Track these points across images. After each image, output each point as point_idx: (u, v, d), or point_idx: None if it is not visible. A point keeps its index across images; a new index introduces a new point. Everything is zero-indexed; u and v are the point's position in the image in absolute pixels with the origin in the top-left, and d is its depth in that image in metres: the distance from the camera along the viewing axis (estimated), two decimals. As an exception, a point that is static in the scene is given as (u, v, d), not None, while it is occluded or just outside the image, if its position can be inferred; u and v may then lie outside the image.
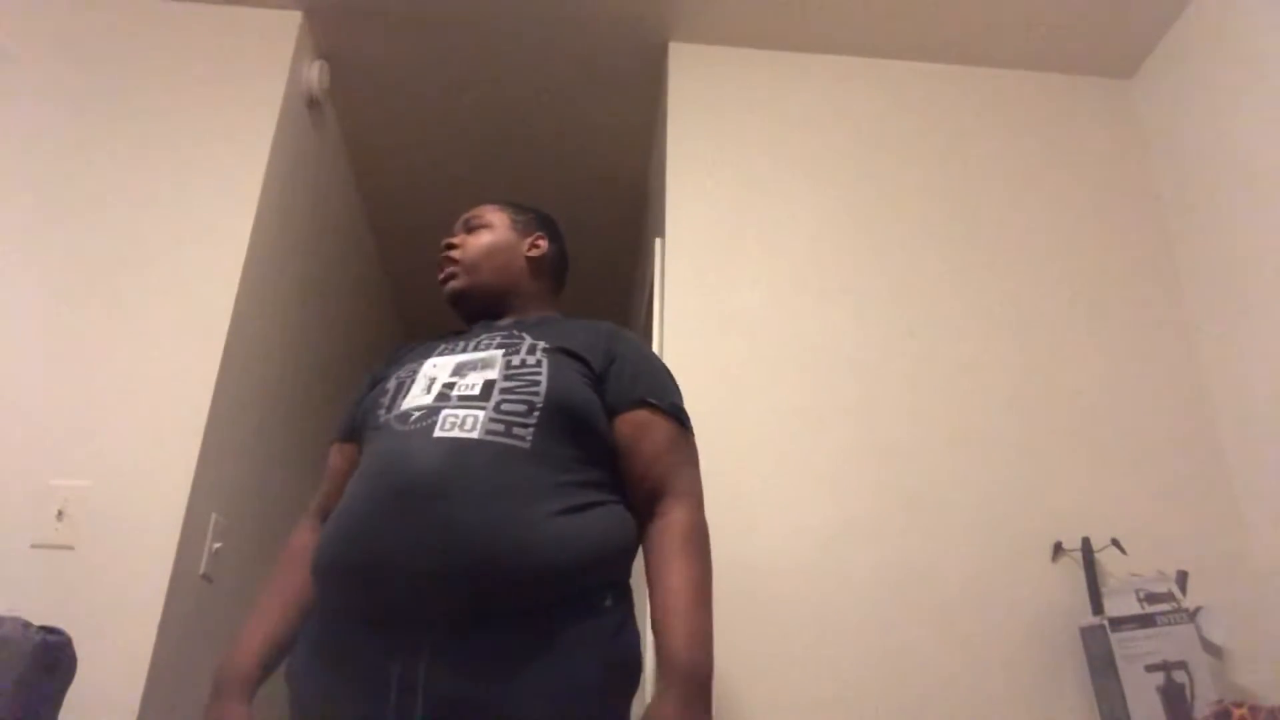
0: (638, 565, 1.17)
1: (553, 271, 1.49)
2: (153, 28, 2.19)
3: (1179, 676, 1.60)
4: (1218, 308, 2.05)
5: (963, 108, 2.36)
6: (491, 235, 1.44)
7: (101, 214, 1.98)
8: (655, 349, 2.03)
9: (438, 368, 1.22)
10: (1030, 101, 2.38)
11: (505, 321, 1.39)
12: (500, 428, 1.11)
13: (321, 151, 2.54)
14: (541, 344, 1.23)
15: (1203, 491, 1.95)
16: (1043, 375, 2.05)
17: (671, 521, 1.15)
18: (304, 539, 1.29)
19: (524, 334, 1.28)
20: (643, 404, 1.22)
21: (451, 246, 1.43)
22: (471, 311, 1.42)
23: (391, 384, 1.24)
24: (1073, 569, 1.85)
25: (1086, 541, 1.84)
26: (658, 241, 2.15)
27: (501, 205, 1.50)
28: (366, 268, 3.23)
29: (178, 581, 1.69)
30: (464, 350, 1.25)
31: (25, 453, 1.74)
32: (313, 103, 2.37)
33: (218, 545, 1.86)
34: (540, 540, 1.04)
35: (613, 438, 1.20)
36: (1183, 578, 1.75)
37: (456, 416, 1.12)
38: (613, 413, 1.21)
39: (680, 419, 1.25)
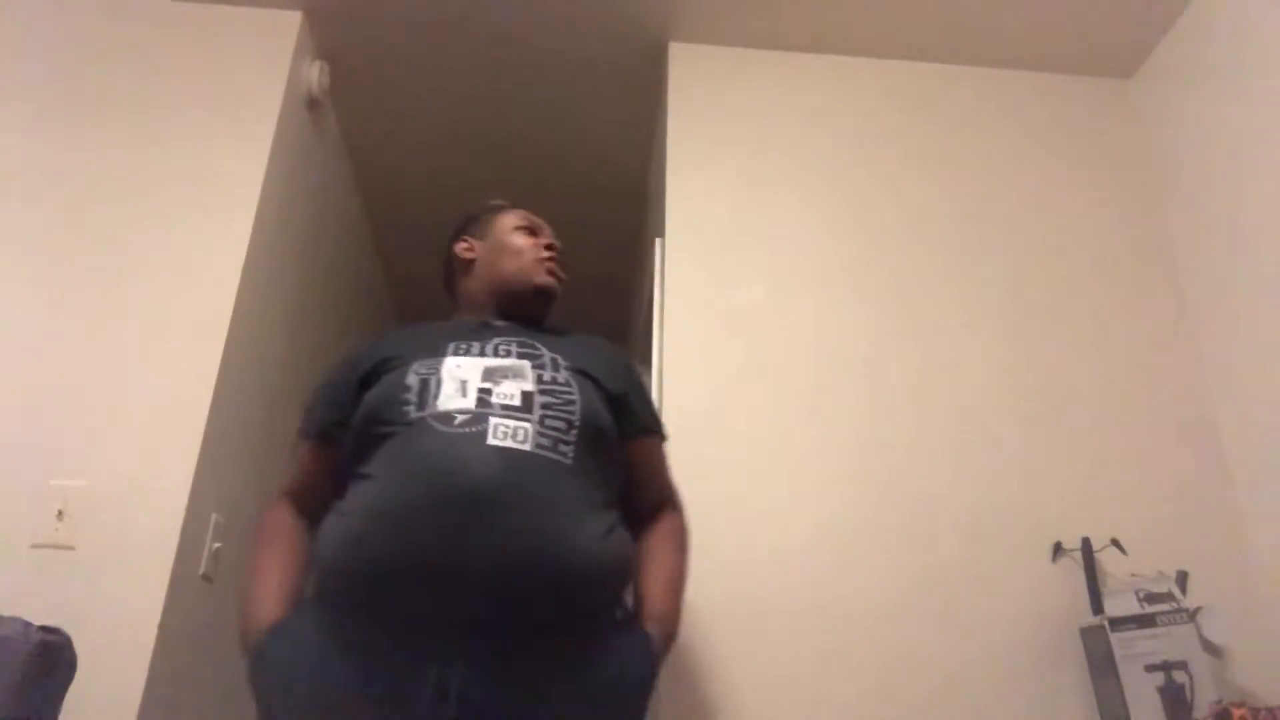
0: None
1: None
2: (153, 28, 2.19)
3: (1179, 676, 1.60)
4: (1218, 307, 2.05)
5: (963, 108, 2.36)
6: None
7: (101, 214, 1.98)
8: (655, 349, 2.04)
9: (463, 369, 1.21)
10: (1030, 101, 2.38)
11: (503, 324, 1.40)
12: (547, 442, 1.14)
13: (321, 151, 2.54)
14: (562, 360, 1.28)
15: (1203, 491, 1.95)
16: (1043, 375, 2.05)
17: (671, 523, 1.36)
18: (285, 519, 1.28)
19: (539, 345, 1.30)
20: (653, 432, 1.39)
21: (556, 247, 1.51)
22: (539, 310, 1.46)
23: (412, 380, 1.20)
24: (1073, 569, 1.85)
25: (1086, 541, 1.84)
26: (658, 241, 2.15)
27: None
28: (366, 267, 3.23)
29: (178, 581, 1.69)
30: (482, 354, 1.25)
31: (25, 453, 1.74)
32: (313, 103, 2.37)
33: (218, 545, 1.86)
34: (589, 554, 1.10)
35: (623, 457, 1.31)
36: (1183, 578, 1.75)
37: (507, 426, 1.13)
38: (626, 435, 1.32)
39: (665, 437, 1.44)
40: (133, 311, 1.89)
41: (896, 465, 1.93)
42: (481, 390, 1.17)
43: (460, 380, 1.19)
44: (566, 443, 1.16)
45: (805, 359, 2.02)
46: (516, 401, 1.17)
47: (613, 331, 3.54)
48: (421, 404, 1.16)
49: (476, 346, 1.27)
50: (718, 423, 1.92)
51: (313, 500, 1.27)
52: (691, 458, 1.82)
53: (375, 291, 3.40)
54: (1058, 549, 1.86)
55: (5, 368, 1.81)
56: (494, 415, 1.14)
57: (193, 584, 1.77)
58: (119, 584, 1.64)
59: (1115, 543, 1.84)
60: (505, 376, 1.20)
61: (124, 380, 1.82)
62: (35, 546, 1.66)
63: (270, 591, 1.17)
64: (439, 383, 1.19)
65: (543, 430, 1.14)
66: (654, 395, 1.92)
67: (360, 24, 2.33)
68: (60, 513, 1.69)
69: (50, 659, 1.28)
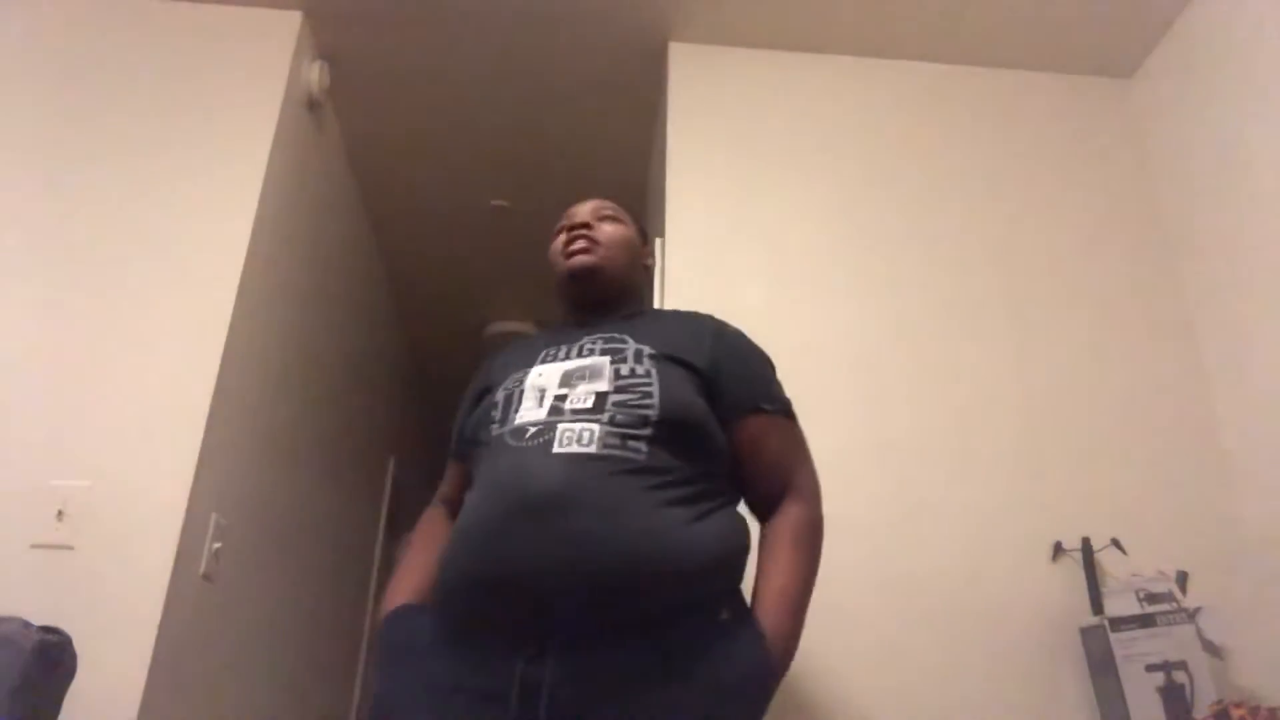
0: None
1: (649, 286, 1.58)
2: (153, 28, 2.19)
3: (1179, 676, 1.60)
4: (1218, 306, 2.05)
5: (963, 107, 2.36)
6: (625, 231, 1.46)
7: (101, 214, 1.98)
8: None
9: (544, 377, 1.22)
10: (1030, 101, 2.38)
11: (605, 320, 1.37)
12: (616, 441, 1.12)
13: (321, 151, 2.54)
14: (647, 349, 1.23)
15: (1203, 491, 1.95)
16: (1043, 375, 2.05)
17: (789, 517, 1.21)
18: (436, 519, 1.34)
19: (626, 336, 1.27)
20: (758, 410, 1.26)
21: (586, 225, 1.41)
22: (591, 294, 1.40)
23: (499, 396, 1.24)
24: (1073, 569, 1.85)
25: (1086, 541, 1.84)
26: (658, 241, 2.15)
27: (623, 206, 1.51)
28: (366, 267, 3.23)
29: (178, 581, 1.69)
30: (567, 357, 1.25)
31: (25, 453, 1.74)
32: (313, 103, 2.37)
33: (218, 545, 1.86)
34: (667, 548, 1.05)
35: (725, 441, 1.22)
36: (1183, 578, 1.75)
37: (573, 431, 1.12)
38: (727, 419, 1.23)
39: (790, 413, 1.30)
40: (133, 311, 1.89)
41: (896, 465, 1.93)
42: (557, 398, 1.18)
43: (539, 390, 1.20)
44: (639, 437, 1.12)
45: (805, 358, 2.02)
46: (589, 404, 1.15)
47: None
48: (504, 420, 1.19)
49: (564, 350, 1.27)
50: (718, 423, 1.92)
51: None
52: (691, 458, 1.82)
53: (375, 290, 3.40)
54: (1058, 549, 1.86)
55: (5, 368, 1.81)
56: (563, 422, 1.14)
57: (193, 584, 1.77)
58: (119, 584, 1.64)
59: (1115, 543, 1.84)
60: (582, 379, 1.19)
61: (124, 380, 1.82)
62: (35, 546, 1.66)
63: (401, 585, 1.24)
64: (521, 395, 1.21)
65: (611, 430, 1.12)
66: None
67: (360, 24, 2.33)
68: (60, 513, 1.69)
69: (50, 659, 1.28)
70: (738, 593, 1.15)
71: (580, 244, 1.39)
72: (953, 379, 2.03)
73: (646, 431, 1.13)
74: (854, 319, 2.08)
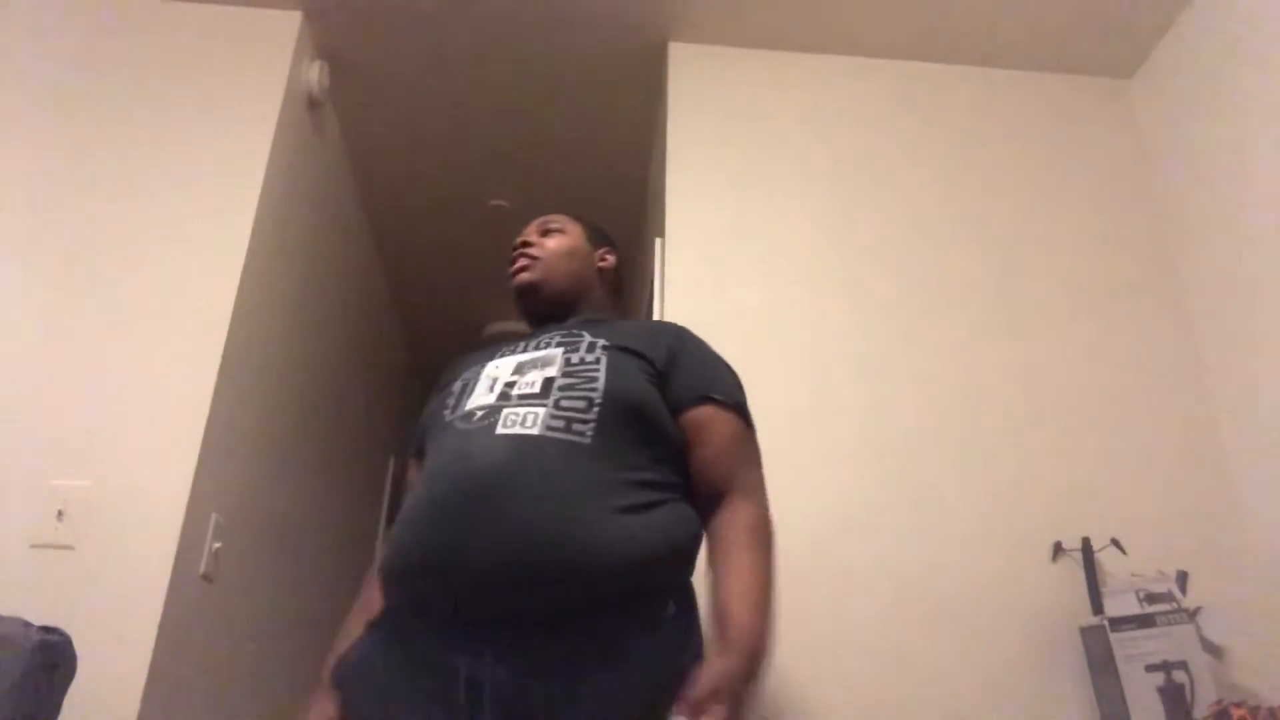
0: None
1: (615, 285, 1.55)
2: (153, 28, 2.19)
3: (1179, 676, 1.60)
4: (1218, 306, 2.05)
5: (963, 108, 2.36)
6: (568, 240, 1.48)
7: (101, 214, 1.98)
8: (655, 349, 2.03)
9: (499, 368, 1.24)
10: (1030, 101, 2.38)
11: (568, 322, 1.40)
12: (560, 424, 1.11)
13: (321, 151, 2.54)
14: (601, 341, 1.24)
15: (1203, 491, 1.95)
16: (1043, 375, 2.05)
17: (736, 515, 1.15)
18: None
19: (583, 331, 1.29)
20: (707, 400, 1.22)
21: (527, 244, 1.46)
22: (538, 307, 1.43)
23: (457, 386, 1.26)
24: (1073, 569, 1.85)
25: (1086, 541, 1.84)
26: (658, 241, 2.15)
27: (574, 216, 1.55)
28: (366, 267, 3.23)
29: (178, 581, 1.69)
30: (525, 350, 1.27)
31: (25, 453, 1.74)
32: (313, 103, 2.37)
33: (218, 545, 1.86)
34: (603, 537, 1.03)
35: (678, 433, 1.20)
36: (1183, 578, 1.75)
37: (517, 414, 1.13)
38: (676, 408, 1.21)
39: (743, 416, 1.26)
40: (133, 311, 1.89)
41: (896, 465, 1.93)
42: (507, 384, 1.19)
43: (492, 379, 1.22)
44: (584, 421, 1.11)
45: (805, 359, 2.02)
46: (535, 389, 1.16)
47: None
48: (455, 407, 1.21)
49: (522, 345, 1.30)
50: (718, 423, 1.92)
51: None
52: (691, 458, 1.82)
53: (375, 291, 3.40)
54: (1058, 549, 1.86)
55: (5, 368, 1.81)
56: (509, 406, 1.15)
57: (193, 584, 1.77)
58: (119, 584, 1.64)
59: (1115, 543, 1.84)
60: (534, 367, 1.21)
61: (124, 380, 1.82)
62: (35, 546, 1.66)
63: (348, 637, 1.18)
64: (475, 385, 1.22)
65: (556, 412, 1.12)
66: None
67: (360, 24, 2.33)
68: (60, 513, 1.69)
69: (50, 659, 1.28)
70: (685, 586, 1.13)
71: (521, 262, 1.44)
72: (953, 379, 2.03)
73: (592, 415, 1.12)
74: (854, 319, 2.08)
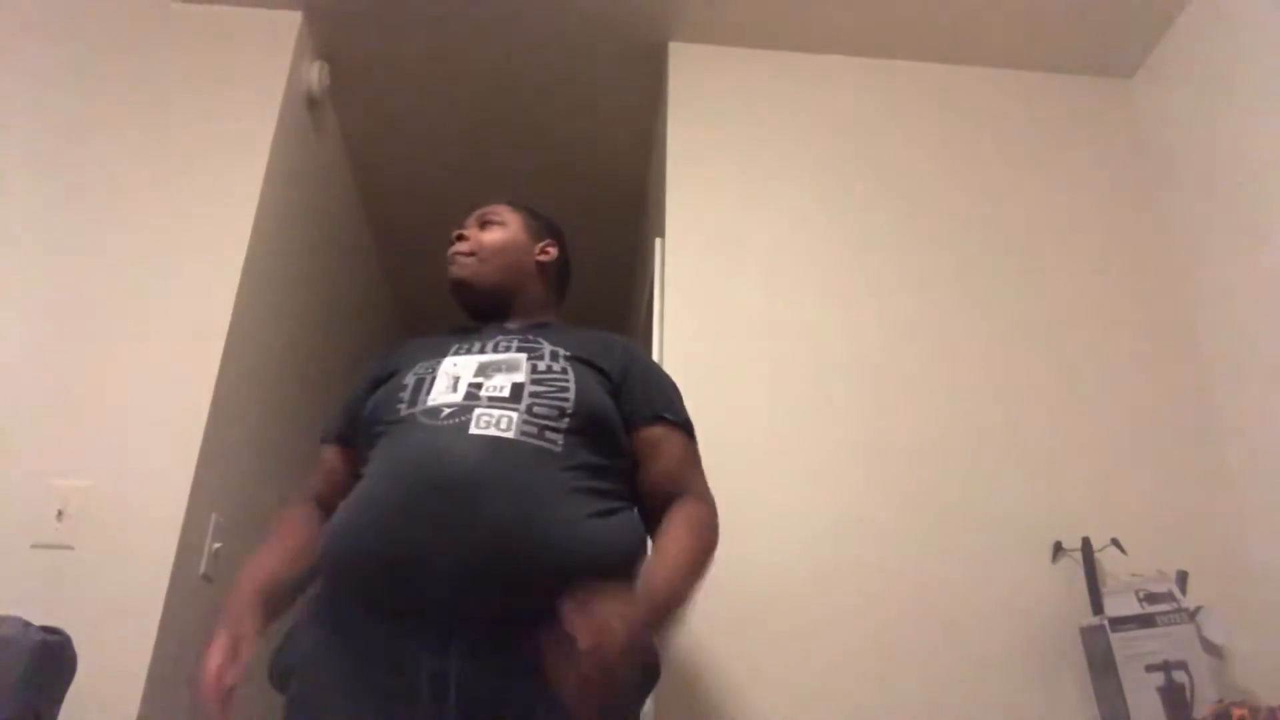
0: None
1: (558, 280, 1.53)
2: (153, 28, 2.19)
3: (1179, 676, 1.60)
4: (1219, 305, 2.05)
5: (962, 108, 2.36)
6: (505, 233, 1.47)
7: (101, 214, 1.97)
8: (655, 349, 2.03)
9: (459, 367, 1.23)
10: (1030, 101, 2.38)
11: (515, 324, 1.40)
12: (533, 430, 1.13)
13: (321, 151, 2.54)
14: (562, 351, 1.27)
15: (1203, 492, 1.95)
16: (1043, 374, 2.05)
17: (687, 507, 1.23)
18: (297, 512, 1.30)
19: (540, 339, 1.30)
20: (659, 419, 1.29)
21: (462, 237, 1.45)
22: (472, 302, 1.43)
23: (409, 380, 1.24)
24: (1073, 569, 1.85)
25: (1086, 541, 1.84)
26: (658, 241, 2.15)
27: (516, 206, 1.52)
28: (366, 267, 3.23)
29: (178, 581, 1.69)
30: (482, 351, 1.26)
31: (25, 453, 1.74)
32: (313, 103, 2.37)
33: (218, 545, 1.86)
34: (573, 541, 1.06)
35: (630, 447, 1.26)
36: (1183, 578, 1.75)
37: (490, 416, 1.13)
38: (629, 424, 1.27)
39: (689, 431, 1.34)
40: (133, 311, 1.89)
41: (896, 465, 1.93)
42: (472, 385, 1.19)
43: (454, 377, 1.21)
44: (556, 429, 1.14)
45: (805, 359, 2.02)
46: (505, 393, 1.17)
47: (612, 330, 3.53)
48: (413, 401, 1.19)
49: (478, 345, 1.29)
50: (716, 422, 1.92)
51: (335, 501, 1.26)
52: (691, 458, 1.82)
53: (375, 291, 3.40)
54: (1058, 549, 1.86)
55: (6, 368, 1.81)
56: (480, 407, 1.15)
57: (193, 584, 1.77)
58: (119, 584, 1.64)
59: (1115, 543, 1.84)
60: (499, 370, 1.21)
61: (124, 380, 1.82)
62: (35, 546, 1.66)
63: (260, 567, 1.18)
64: (433, 381, 1.21)
65: (529, 418, 1.14)
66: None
67: (360, 24, 2.33)
68: (60, 513, 1.69)
69: (50, 659, 1.29)
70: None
71: (453, 258, 1.44)
72: (952, 379, 2.03)
73: (563, 424, 1.15)
74: (854, 319, 2.07)
